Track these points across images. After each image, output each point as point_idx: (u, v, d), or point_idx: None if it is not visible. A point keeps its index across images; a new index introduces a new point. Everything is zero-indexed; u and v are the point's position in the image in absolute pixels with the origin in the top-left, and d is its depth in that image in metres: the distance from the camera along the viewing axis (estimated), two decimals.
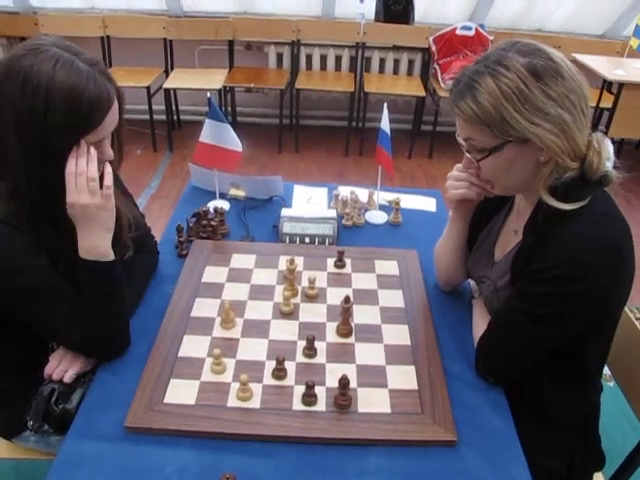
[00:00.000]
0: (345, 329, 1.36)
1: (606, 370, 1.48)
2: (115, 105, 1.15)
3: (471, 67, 1.12)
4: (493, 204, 1.39)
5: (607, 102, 4.00)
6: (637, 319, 1.42)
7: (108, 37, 4.38)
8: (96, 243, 1.20)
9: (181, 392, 1.19)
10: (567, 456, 1.31)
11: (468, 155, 1.20)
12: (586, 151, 1.11)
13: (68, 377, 1.25)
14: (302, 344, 1.31)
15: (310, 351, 1.29)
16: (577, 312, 1.14)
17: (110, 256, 1.23)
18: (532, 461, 1.12)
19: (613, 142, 1.17)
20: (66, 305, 1.20)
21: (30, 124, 1.07)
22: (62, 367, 1.26)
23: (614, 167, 1.15)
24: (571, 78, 1.08)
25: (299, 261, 1.58)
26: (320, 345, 1.32)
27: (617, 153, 1.21)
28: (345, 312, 1.34)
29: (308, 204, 1.95)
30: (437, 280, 1.56)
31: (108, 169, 1.19)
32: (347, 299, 1.33)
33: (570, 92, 1.07)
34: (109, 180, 1.18)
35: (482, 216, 1.42)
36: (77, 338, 1.23)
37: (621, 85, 3.80)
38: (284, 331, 1.36)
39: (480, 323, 1.35)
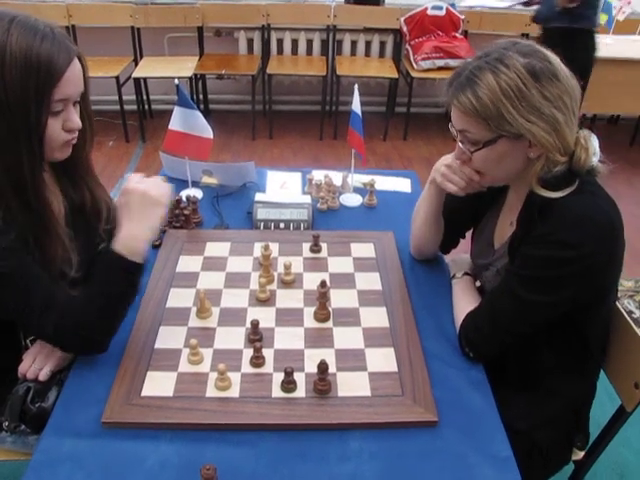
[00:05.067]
0: (323, 314, 1.35)
1: None
2: (76, 63, 1.12)
3: (472, 62, 1.17)
4: (488, 197, 1.41)
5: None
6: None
7: (73, 26, 4.27)
8: (137, 234, 1.20)
9: (159, 384, 1.18)
10: (561, 433, 1.35)
11: (461, 145, 1.23)
12: (574, 147, 1.17)
13: (43, 375, 1.23)
14: (280, 330, 1.30)
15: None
16: (571, 279, 1.16)
17: (141, 258, 1.21)
18: (516, 433, 1.16)
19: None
20: (41, 290, 1.14)
21: None
22: (36, 365, 1.24)
23: (600, 161, 1.20)
24: (565, 81, 1.14)
25: (274, 247, 1.56)
26: (298, 331, 1.31)
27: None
28: (322, 297, 1.33)
29: (282, 189, 1.94)
30: (410, 248, 1.59)
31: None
32: (323, 283, 1.33)
33: (564, 94, 1.13)
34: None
35: (479, 209, 1.47)
36: (50, 328, 1.16)
37: None
38: (261, 318, 1.34)
39: (461, 304, 1.37)
